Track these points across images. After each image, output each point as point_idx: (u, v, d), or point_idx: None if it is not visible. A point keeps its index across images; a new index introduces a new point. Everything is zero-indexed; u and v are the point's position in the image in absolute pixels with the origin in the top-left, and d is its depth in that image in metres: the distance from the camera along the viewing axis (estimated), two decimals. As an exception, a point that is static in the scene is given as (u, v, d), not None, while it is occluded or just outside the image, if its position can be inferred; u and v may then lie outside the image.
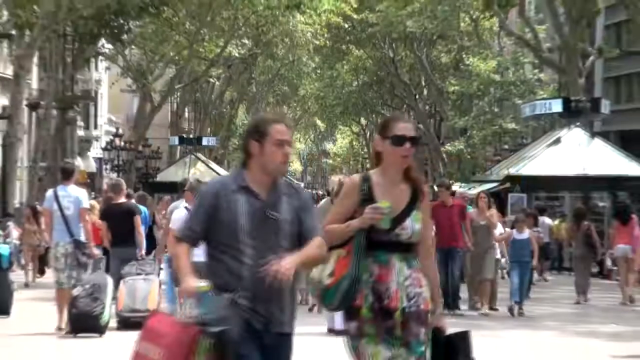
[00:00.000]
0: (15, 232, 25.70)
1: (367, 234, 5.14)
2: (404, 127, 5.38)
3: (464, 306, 19.20)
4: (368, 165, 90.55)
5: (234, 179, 4.84)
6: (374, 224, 5.09)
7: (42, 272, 25.22)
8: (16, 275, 21.44)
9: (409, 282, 5.15)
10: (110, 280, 15.35)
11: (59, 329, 14.97)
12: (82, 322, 14.66)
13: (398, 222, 5.19)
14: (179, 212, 15.29)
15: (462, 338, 5.47)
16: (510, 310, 18.50)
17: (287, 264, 4.58)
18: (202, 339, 4.48)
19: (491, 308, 18.82)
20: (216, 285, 4.65)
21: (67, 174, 16.43)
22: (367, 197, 5.21)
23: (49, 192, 16.60)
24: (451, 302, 17.53)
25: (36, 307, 18.34)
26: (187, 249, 4.82)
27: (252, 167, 4.83)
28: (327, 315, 16.12)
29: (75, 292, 14.83)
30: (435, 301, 5.38)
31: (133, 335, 15.00)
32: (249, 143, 4.83)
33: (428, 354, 5.22)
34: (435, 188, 23.63)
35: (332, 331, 15.54)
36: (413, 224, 5.24)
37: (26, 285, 22.68)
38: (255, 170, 4.79)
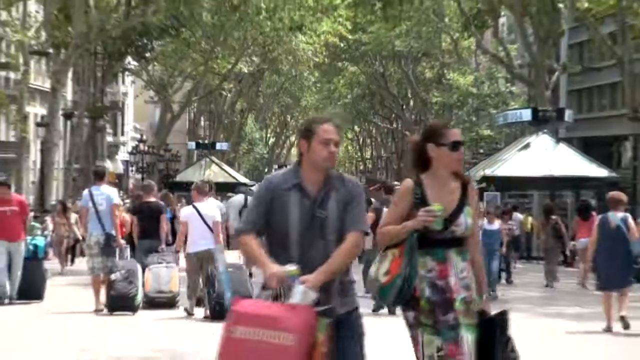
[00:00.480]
0: (51, 226, 25.80)
1: (423, 234, 5.02)
2: (457, 134, 5.32)
3: None
4: (362, 167, 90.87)
5: (289, 176, 4.61)
6: (427, 225, 4.98)
7: (72, 261, 25.05)
8: (51, 264, 21.34)
9: (464, 274, 5.06)
10: (139, 267, 15.49)
11: (96, 311, 15.04)
12: (120, 302, 14.87)
13: (452, 220, 5.09)
14: (187, 211, 15.71)
15: (501, 317, 5.28)
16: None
17: (310, 283, 4.39)
18: (320, 318, 4.31)
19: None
20: None
21: (99, 176, 16.72)
22: (420, 200, 5.09)
23: (85, 192, 16.84)
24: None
25: (70, 291, 18.32)
26: (254, 239, 4.57)
27: (304, 165, 4.64)
28: None
29: (114, 277, 15.01)
30: (481, 287, 5.27)
31: (158, 313, 14.77)
32: (299, 142, 4.68)
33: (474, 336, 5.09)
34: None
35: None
36: (466, 219, 5.15)
37: (60, 273, 22.70)
38: (306, 168, 4.60)
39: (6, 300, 14.17)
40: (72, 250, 25.16)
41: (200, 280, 15.40)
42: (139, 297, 15.12)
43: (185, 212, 15.81)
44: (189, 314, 14.89)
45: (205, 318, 14.57)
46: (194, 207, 15.44)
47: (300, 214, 4.49)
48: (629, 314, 13.67)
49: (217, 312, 13.95)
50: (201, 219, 15.20)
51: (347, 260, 4.71)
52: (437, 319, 5.03)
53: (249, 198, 22.83)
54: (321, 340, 4.32)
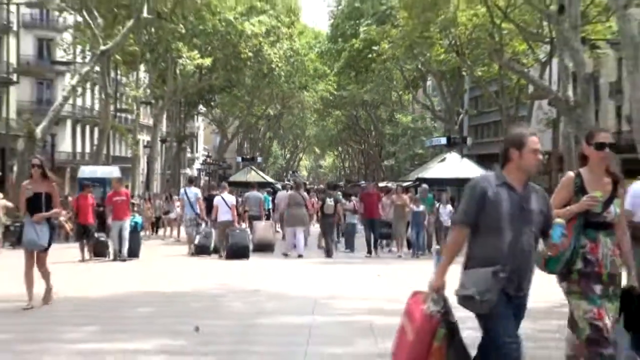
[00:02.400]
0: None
1: (581, 216, 4.37)
2: (605, 136, 4.53)
3: (386, 250, 17.97)
4: (343, 173, 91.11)
5: (496, 177, 3.90)
6: (589, 209, 4.35)
7: (155, 231, 24.36)
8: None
9: (610, 253, 4.37)
10: (214, 230, 16.38)
11: (191, 254, 16.01)
12: (201, 250, 15.80)
13: (605, 207, 4.41)
14: (217, 199, 16.08)
15: None
16: (413, 254, 16.70)
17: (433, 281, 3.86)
18: (440, 327, 3.74)
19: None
20: (481, 259, 3.79)
21: (191, 180, 18.77)
22: (580, 189, 4.42)
23: (182, 190, 19.01)
24: (373, 248, 16.70)
25: (160, 249, 18.33)
26: (465, 235, 3.85)
27: (510, 169, 3.90)
28: (285, 244, 16.71)
29: (198, 236, 16.15)
30: (628, 266, 4.51)
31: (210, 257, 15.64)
32: (509, 150, 3.91)
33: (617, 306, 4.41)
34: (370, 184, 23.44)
35: (285, 255, 15.94)
36: (615, 209, 4.43)
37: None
38: (513, 171, 3.87)
39: (121, 257, 14.21)
40: (156, 223, 24.54)
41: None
42: (211, 247, 16.08)
43: (216, 200, 16.08)
44: (220, 256, 15.55)
45: (220, 257, 15.41)
46: (221, 197, 16.02)
47: (510, 207, 3.80)
48: None
49: (231, 256, 14.98)
50: (225, 203, 15.81)
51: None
52: (587, 287, 4.32)
53: (266, 194, 23.22)
54: (436, 346, 3.75)
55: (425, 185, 19.00)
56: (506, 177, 3.91)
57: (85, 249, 14.59)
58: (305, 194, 17.98)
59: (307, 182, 56.19)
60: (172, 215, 23.51)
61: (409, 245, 17.41)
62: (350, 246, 18.11)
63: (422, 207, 16.88)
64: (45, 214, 8.07)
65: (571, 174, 4.59)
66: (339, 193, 20.57)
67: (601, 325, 4.23)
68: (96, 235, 15.00)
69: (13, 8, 28.47)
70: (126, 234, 14.46)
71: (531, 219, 3.87)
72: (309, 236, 18.66)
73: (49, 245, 8.23)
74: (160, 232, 24.10)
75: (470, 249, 3.92)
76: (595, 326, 4.24)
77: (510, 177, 3.91)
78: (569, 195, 4.49)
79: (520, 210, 3.85)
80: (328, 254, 16.27)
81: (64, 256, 14.02)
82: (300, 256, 15.69)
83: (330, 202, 16.96)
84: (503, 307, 3.77)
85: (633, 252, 4.63)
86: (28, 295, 8.06)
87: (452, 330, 3.82)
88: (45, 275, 8.31)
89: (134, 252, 14.67)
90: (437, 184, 22.82)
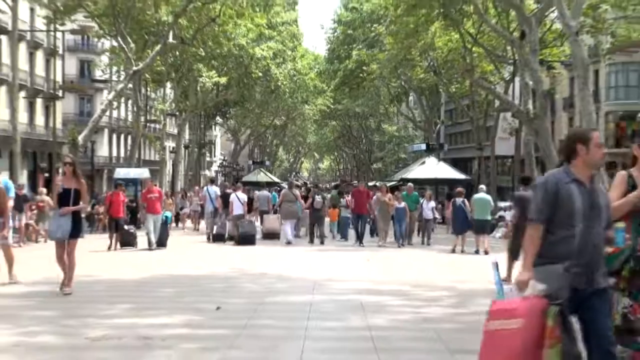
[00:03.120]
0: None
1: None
2: None
3: (372, 240, 17.24)
4: (338, 174, 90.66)
5: (564, 173, 3.42)
6: None
7: (176, 224, 23.24)
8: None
9: None
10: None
11: (210, 241, 16.14)
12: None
13: None
14: (232, 196, 16.15)
15: None
16: (398, 244, 15.89)
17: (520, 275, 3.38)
18: (550, 307, 3.18)
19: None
20: (552, 255, 3.32)
21: (212, 181, 18.82)
22: (632, 187, 3.90)
23: (205, 188, 18.57)
24: (360, 240, 16.08)
25: (182, 238, 18.06)
26: (540, 232, 3.35)
27: (577, 165, 3.43)
28: (285, 234, 16.39)
29: (215, 227, 16.33)
30: None
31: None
32: (576, 146, 3.43)
33: None
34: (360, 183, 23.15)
35: (289, 243, 15.65)
36: None
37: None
38: (580, 167, 3.41)
39: (153, 247, 13.91)
40: (176, 217, 23.63)
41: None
42: (226, 235, 16.19)
43: (232, 197, 16.24)
44: (234, 242, 15.39)
45: (235, 243, 15.27)
46: (236, 194, 16.23)
47: (582, 203, 3.35)
48: None
49: (241, 242, 15.14)
50: (238, 200, 16.03)
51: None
52: (633, 285, 3.82)
53: (273, 192, 22.97)
54: (550, 325, 3.17)
55: (411, 184, 18.75)
56: (575, 173, 3.44)
57: (114, 239, 14.28)
58: (297, 192, 18.02)
59: (309, 182, 55.77)
60: (186, 210, 23.33)
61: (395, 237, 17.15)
62: (344, 236, 18.16)
63: (403, 204, 16.51)
64: (71, 208, 7.59)
65: (624, 172, 4.08)
66: (335, 192, 20.52)
67: (633, 319, 3.80)
68: (125, 227, 14.74)
69: (59, 35, 28.28)
70: (158, 225, 14.27)
71: (600, 214, 3.43)
72: (305, 227, 18.55)
73: (76, 236, 7.75)
74: (180, 224, 23.84)
75: (541, 246, 3.41)
76: (628, 318, 3.81)
77: (578, 173, 3.44)
78: (626, 191, 3.97)
79: (591, 205, 3.40)
80: (321, 240, 16.46)
81: (98, 245, 13.94)
82: (288, 243, 15.84)
83: (319, 198, 17.18)
84: (569, 305, 3.29)
85: None
86: (64, 278, 7.65)
87: (562, 311, 3.25)
88: (71, 263, 7.66)
89: (162, 242, 14.43)
90: (418, 184, 22.60)
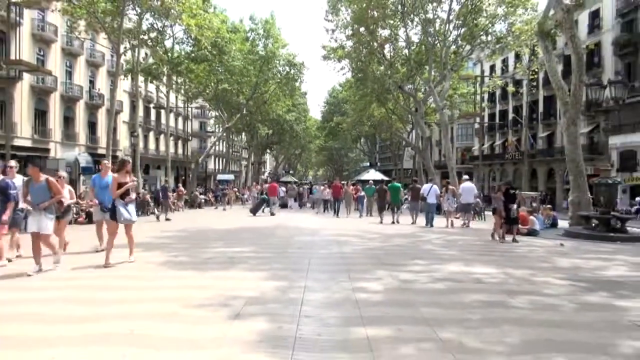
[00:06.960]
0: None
1: None
2: None
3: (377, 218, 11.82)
4: (327, 178, 79.99)
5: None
6: None
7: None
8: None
9: None
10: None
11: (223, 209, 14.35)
12: (282, 205, 14.82)
13: None
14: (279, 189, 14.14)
15: None
16: (360, 215, 13.68)
17: None
18: None
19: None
20: None
21: (266, 181, 17.31)
22: None
23: (259, 184, 16.78)
24: (337, 213, 13.65)
25: (241, 210, 15.75)
26: None
27: None
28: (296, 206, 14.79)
29: (280, 200, 14.77)
30: None
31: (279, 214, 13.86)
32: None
33: None
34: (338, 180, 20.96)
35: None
36: None
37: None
38: None
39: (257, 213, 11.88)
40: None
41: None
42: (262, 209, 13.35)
43: (278, 189, 14.17)
44: (272, 214, 12.86)
45: (272, 214, 12.94)
46: (281, 189, 15.48)
47: None
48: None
49: (281, 207, 14.15)
50: (279, 191, 14.41)
51: None
52: None
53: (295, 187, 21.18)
54: None
55: (371, 181, 17.35)
56: None
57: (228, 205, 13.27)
58: (296, 187, 18.63)
59: (310, 182, 51.67)
60: (245, 197, 21.20)
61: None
62: (336, 212, 16.09)
63: (362, 193, 14.92)
64: (119, 193, 4.92)
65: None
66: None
67: None
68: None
69: (189, 108, 29.61)
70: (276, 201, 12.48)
71: None
72: (304, 205, 18.59)
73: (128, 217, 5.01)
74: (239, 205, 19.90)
75: None
76: None
77: None
78: None
79: None
80: (317, 212, 16.10)
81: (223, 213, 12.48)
82: (288, 207, 16.44)
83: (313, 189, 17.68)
84: None
85: None
86: (101, 245, 5.70)
87: None
88: (130, 240, 5.24)
89: (254, 211, 12.13)
90: (365, 182, 21.53)
